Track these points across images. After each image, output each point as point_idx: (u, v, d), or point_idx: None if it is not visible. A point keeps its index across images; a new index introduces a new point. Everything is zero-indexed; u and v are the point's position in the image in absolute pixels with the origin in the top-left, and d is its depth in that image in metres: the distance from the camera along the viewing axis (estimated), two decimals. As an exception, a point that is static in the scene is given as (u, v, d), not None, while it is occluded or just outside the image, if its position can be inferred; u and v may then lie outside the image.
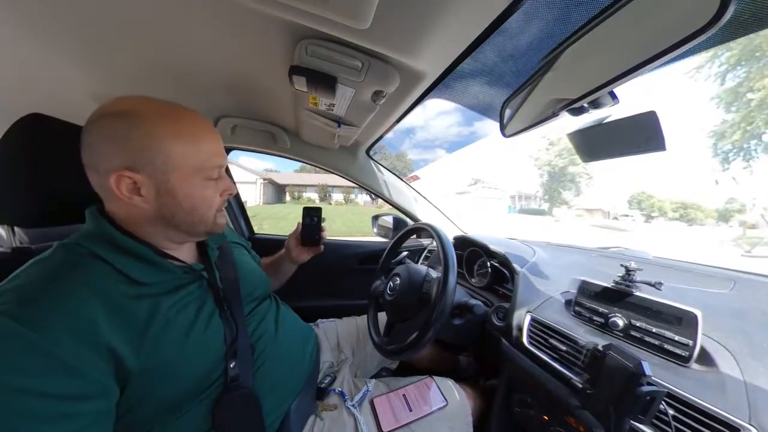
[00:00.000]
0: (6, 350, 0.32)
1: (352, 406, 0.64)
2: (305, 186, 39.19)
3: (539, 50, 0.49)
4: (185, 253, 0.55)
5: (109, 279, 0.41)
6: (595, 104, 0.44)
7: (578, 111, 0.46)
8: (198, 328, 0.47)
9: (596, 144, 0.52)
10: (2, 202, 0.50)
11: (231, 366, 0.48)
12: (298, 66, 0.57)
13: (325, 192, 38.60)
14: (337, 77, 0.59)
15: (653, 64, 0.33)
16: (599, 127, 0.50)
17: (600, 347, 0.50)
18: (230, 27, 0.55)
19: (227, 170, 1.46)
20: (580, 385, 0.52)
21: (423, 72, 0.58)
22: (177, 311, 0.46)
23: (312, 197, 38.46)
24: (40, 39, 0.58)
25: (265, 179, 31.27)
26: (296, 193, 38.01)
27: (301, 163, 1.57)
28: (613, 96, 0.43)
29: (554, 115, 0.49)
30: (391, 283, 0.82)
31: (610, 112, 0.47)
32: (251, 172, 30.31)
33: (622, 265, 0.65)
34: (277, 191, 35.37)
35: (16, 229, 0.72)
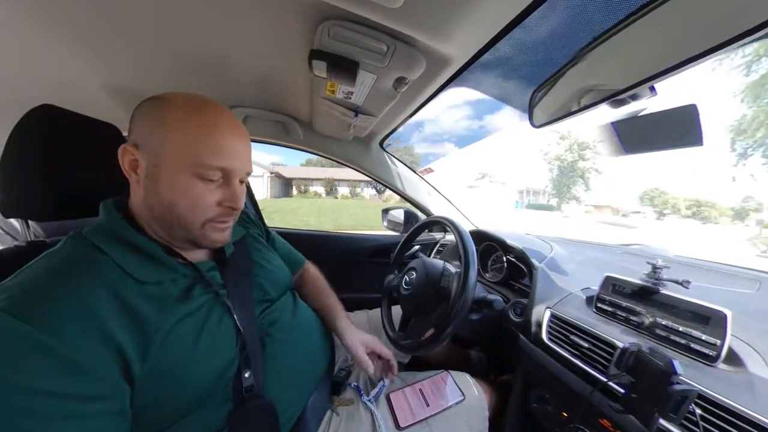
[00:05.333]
0: (8, 348, 0.31)
1: (369, 401, 0.63)
2: (312, 179, 39.34)
3: (575, 38, 0.46)
4: (195, 250, 0.51)
5: (115, 275, 0.40)
6: (633, 97, 0.42)
7: (618, 103, 0.44)
8: (207, 332, 0.44)
9: (632, 137, 0.50)
10: (16, 195, 0.49)
11: (245, 376, 0.46)
12: (319, 50, 0.55)
13: (331, 186, 38.69)
14: (359, 62, 0.57)
15: (700, 61, 0.31)
16: (635, 119, 0.48)
17: (645, 349, 0.48)
18: (246, 9, 0.53)
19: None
20: (622, 390, 0.50)
21: (450, 57, 0.56)
22: (184, 315, 0.43)
23: (318, 191, 38.61)
24: (50, 29, 0.57)
25: (272, 173, 31.46)
26: (303, 187, 38.20)
27: (307, 157, 1.56)
28: (651, 88, 0.41)
29: (589, 107, 0.46)
30: (407, 277, 0.82)
31: (647, 104, 0.45)
32: (259, 166, 30.51)
33: (648, 263, 0.63)
34: (284, 185, 35.59)
35: (30, 222, 0.72)
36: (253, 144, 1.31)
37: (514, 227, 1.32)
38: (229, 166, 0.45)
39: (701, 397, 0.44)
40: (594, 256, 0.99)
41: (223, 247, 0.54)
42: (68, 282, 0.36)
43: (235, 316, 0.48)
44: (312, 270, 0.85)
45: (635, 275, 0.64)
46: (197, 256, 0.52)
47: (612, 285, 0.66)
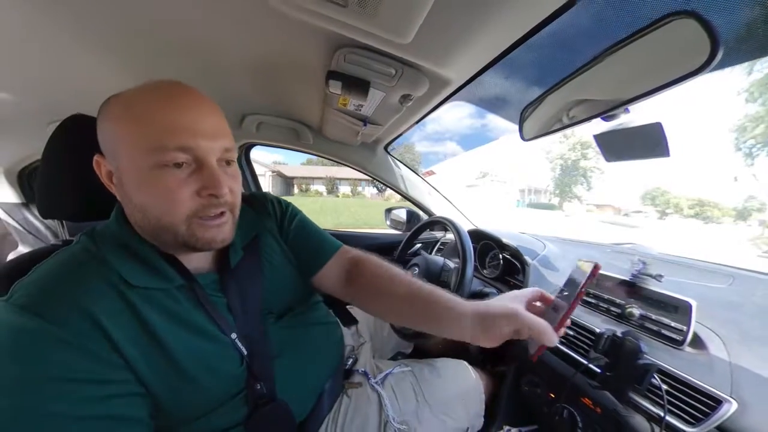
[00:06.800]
0: (31, 343, 0.32)
1: (376, 383, 0.68)
2: (313, 178, 39.43)
3: (560, 66, 0.54)
4: (197, 256, 0.47)
5: (115, 278, 0.39)
6: (609, 117, 0.49)
7: (610, 117, 0.50)
8: (205, 351, 0.42)
9: (614, 147, 0.58)
10: (53, 198, 0.54)
11: (257, 387, 0.46)
12: (335, 71, 0.62)
13: (332, 184, 38.76)
14: (370, 82, 0.64)
15: (660, 92, 0.38)
16: (612, 132, 0.55)
17: (619, 333, 0.55)
18: (273, 34, 0.58)
19: (249, 166, 1.52)
20: (599, 370, 0.57)
21: (450, 78, 0.63)
22: (179, 329, 0.41)
23: (320, 189, 38.70)
24: (82, 41, 0.61)
25: (273, 171, 31.52)
26: (304, 186, 38.30)
27: (308, 156, 1.62)
28: (626, 108, 0.48)
29: (571, 125, 0.54)
30: (409, 272, 0.89)
31: (621, 121, 0.52)
32: (260, 165, 30.57)
33: (629, 260, 0.71)
34: (286, 184, 35.64)
35: (65, 222, 0.73)
36: (257, 145, 1.35)
37: (513, 227, 1.39)
38: (190, 143, 0.38)
39: (668, 375, 0.52)
40: (585, 254, 1.06)
41: (228, 255, 0.50)
42: (79, 279, 0.37)
43: (234, 336, 0.45)
44: (370, 265, 0.61)
45: (620, 271, 0.72)
46: (201, 263, 0.48)
47: (596, 280, 0.73)
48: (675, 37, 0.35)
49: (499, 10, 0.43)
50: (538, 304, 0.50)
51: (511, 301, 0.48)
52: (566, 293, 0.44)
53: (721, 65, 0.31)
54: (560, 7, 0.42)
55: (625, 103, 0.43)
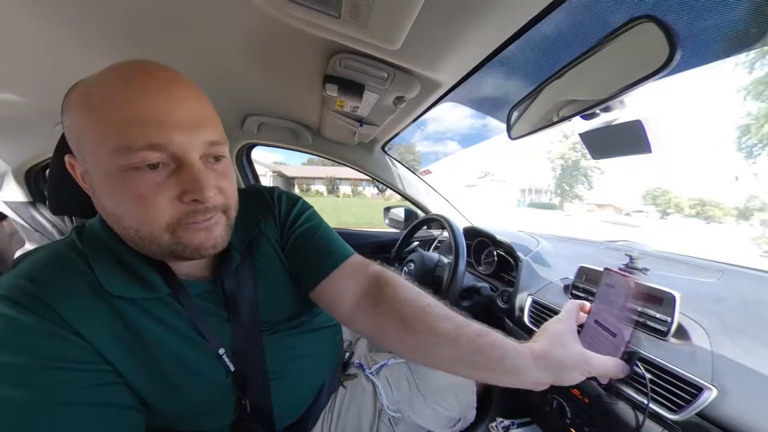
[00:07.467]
0: (16, 333, 0.31)
1: (371, 373, 0.70)
2: (314, 178, 39.51)
3: (545, 67, 0.56)
4: (189, 261, 0.41)
5: (95, 281, 0.36)
6: (589, 116, 0.51)
7: (590, 116, 0.53)
8: (188, 368, 0.39)
9: (599, 144, 0.60)
10: (63, 195, 0.55)
11: (243, 403, 0.43)
12: (331, 75, 0.65)
13: (333, 184, 38.84)
14: (365, 85, 0.67)
15: (632, 90, 0.41)
16: (596, 130, 0.57)
17: None
18: (272, 42, 0.61)
19: (251, 166, 1.58)
20: None
21: (441, 81, 0.66)
22: (161, 341, 0.38)
23: (320, 189, 38.78)
24: (90, 43, 0.63)
25: (274, 172, 31.59)
26: (305, 186, 38.39)
27: (308, 156, 1.64)
28: (607, 108, 0.51)
29: (554, 123, 0.56)
30: (405, 268, 0.92)
31: (605, 119, 0.55)
32: (261, 165, 30.64)
33: (618, 256, 0.73)
34: (286, 184, 35.69)
35: (75, 219, 0.76)
36: (258, 145, 1.38)
37: (514, 226, 1.41)
38: (162, 139, 0.31)
39: (652, 364, 0.54)
40: (579, 250, 1.08)
41: (224, 260, 0.45)
42: (67, 274, 0.35)
43: (222, 351, 0.42)
44: (397, 286, 0.48)
45: (609, 265, 0.73)
46: (194, 269, 0.44)
47: (585, 274, 0.75)
48: (639, 39, 0.38)
49: (481, 18, 0.46)
50: (581, 315, 0.51)
51: (569, 337, 0.43)
52: (599, 300, 0.52)
53: (682, 67, 0.34)
54: (537, 14, 0.44)
55: (602, 102, 0.46)
